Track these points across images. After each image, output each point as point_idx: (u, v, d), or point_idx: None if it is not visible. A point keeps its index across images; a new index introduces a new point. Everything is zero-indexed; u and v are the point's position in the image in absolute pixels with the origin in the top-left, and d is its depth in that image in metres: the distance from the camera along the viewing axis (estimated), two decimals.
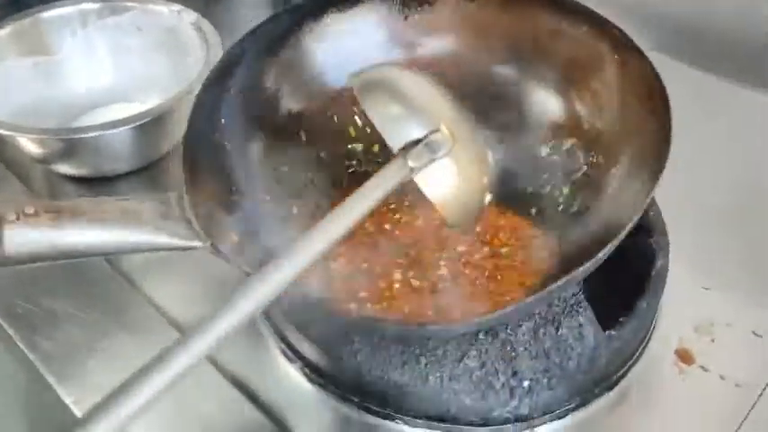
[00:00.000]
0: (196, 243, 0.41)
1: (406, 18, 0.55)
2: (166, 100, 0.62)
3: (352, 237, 0.48)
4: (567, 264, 0.46)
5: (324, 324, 0.46)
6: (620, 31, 0.50)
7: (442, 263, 0.51)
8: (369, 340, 0.47)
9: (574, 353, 0.46)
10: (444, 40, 0.55)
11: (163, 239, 0.40)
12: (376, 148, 0.56)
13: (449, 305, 0.49)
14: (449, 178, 0.43)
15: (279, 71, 0.54)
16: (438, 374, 0.45)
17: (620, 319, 0.49)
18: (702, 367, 0.51)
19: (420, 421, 0.48)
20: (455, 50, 0.55)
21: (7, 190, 0.66)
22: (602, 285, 0.50)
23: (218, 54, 0.66)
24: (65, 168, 0.66)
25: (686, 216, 0.58)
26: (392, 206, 0.55)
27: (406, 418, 0.48)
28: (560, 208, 0.53)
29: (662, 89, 0.47)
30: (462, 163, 0.43)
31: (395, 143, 0.42)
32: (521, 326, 0.46)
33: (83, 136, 0.60)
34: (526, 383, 0.45)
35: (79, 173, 0.66)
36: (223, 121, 0.51)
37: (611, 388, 0.50)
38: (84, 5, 0.72)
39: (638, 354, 0.52)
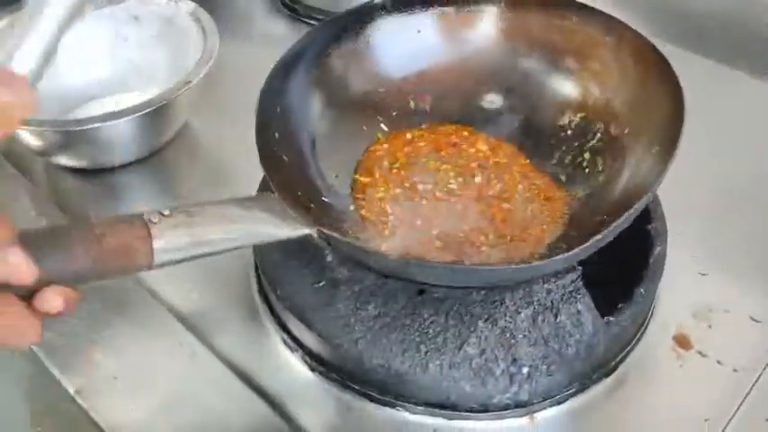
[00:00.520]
0: (306, 230, 0.44)
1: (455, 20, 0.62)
2: (165, 90, 0.62)
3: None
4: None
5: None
6: (611, 17, 0.57)
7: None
8: (369, 328, 0.47)
9: (572, 339, 0.47)
10: (483, 39, 0.62)
11: (279, 231, 0.44)
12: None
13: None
14: None
15: (343, 58, 0.60)
16: (438, 362, 0.46)
17: (619, 306, 0.49)
18: (700, 353, 0.52)
19: (421, 408, 0.48)
20: (491, 47, 0.62)
21: (7, 182, 0.66)
22: (600, 272, 0.51)
23: (215, 43, 0.66)
24: (64, 160, 0.66)
25: (684, 202, 0.58)
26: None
27: (406, 405, 0.48)
28: (587, 171, 0.56)
29: (659, 57, 0.52)
30: None
31: None
32: (519, 313, 0.47)
33: (82, 128, 0.60)
34: (525, 370, 0.46)
35: (79, 164, 0.66)
36: (292, 108, 0.56)
37: (609, 374, 0.50)
38: None
39: (636, 340, 0.52)
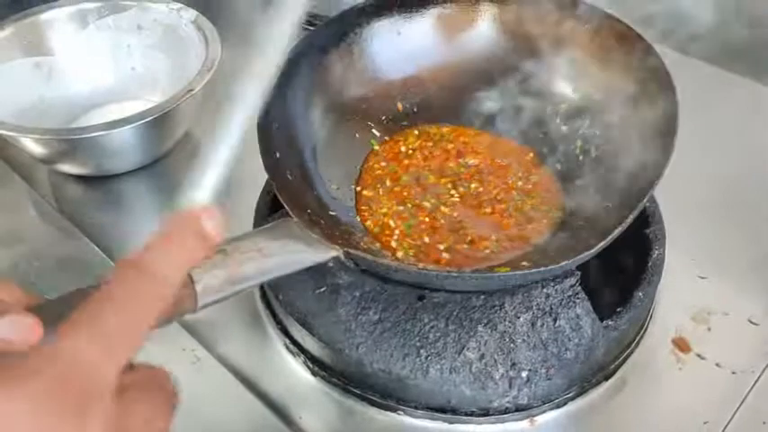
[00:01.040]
0: (333, 253, 0.45)
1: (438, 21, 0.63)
2: (168, 98, 0.63)
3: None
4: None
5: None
6: (592, 6, 0.58)
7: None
8: (370, 333, 0.48)
9: (571, 343, 0.47)
10: (476, 42, 0.63)
11: (309, 257, 0.44)
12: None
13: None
14: None
15: (340, 62, 0.61)
16: (438, 366, 0.46)
17: (618, 310, 0.49)
18: (699, 355, 0.52)
19: (421, 412, 0.48)
20: (488, 49, 0.63)
21: (11, 189, 0.67)
22: (599, 276, 0.51)
23: (217, 51, 0.67)
24: (68, 168, 0.67)
25: (683, 206, 0.59)
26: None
27: (407, 409, 0.49)
28: (581, 159, 0.58)
29: (641, 42, 0.54)
30: None
31: None
32: (519, 317, 0.47)
33: (86, 136, 0.60)
34: (525, 374, 0.46)
35: (82, 172, 0.67)
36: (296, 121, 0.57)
37: (608, 377, 0.51)
38: (84, 5, 0.72)
39: (635, 343, 0.53)
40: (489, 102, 0.62)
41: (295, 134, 0.56)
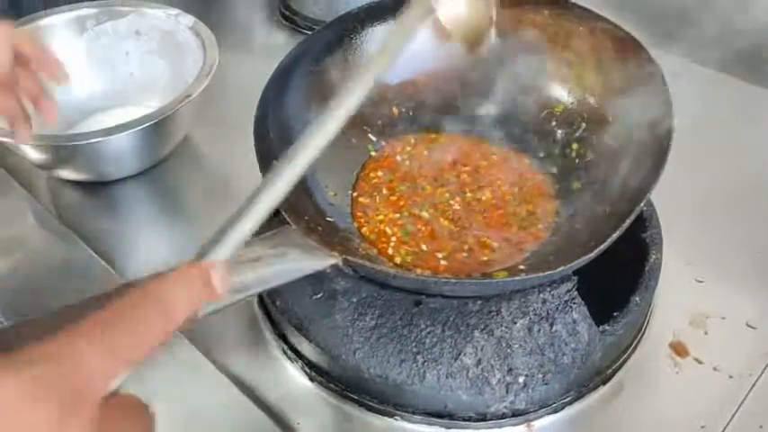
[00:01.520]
0: (332, 261, 0.45)
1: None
2: (166, 103, 0.63)
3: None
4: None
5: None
6: (586, 9, 0.59)
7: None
8: (367, 339, 0.48)
9: (568, 348, 0.47)
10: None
11: (308, 265, 0.45)
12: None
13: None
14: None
15: (336, 67, 0.61)
16: (435, 372, 0.46)
17: (614, 315, 0.49)
18: (696, 359, 0.52)
19: (419, 417, 0.49)
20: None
21: (10, 195, 0.67)
22: (596, 280, 0.51)
23: (215, 57, 0.67)
24: (66, 174, 0.67)
25: (680, 210, 0.59)
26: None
27: (405, 414, 0.49)
28: (577, 162, 0.58)
29: (634, 44, 0.54)
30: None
31: None
32: (515, 323, 0.47)
33: (84, 142, 0.61)
34: (522, 379, 0.46)
35: (81, 178, 0.67)
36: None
37: (606, 381, 0.51)
38: (82, 11, 0.72)
39: (632, 347, 0.53)
40: (485, 106, 0.63)
41: (292, 140, 0.56)
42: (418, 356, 0.47)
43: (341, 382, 0.50)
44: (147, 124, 0.61)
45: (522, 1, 0.61)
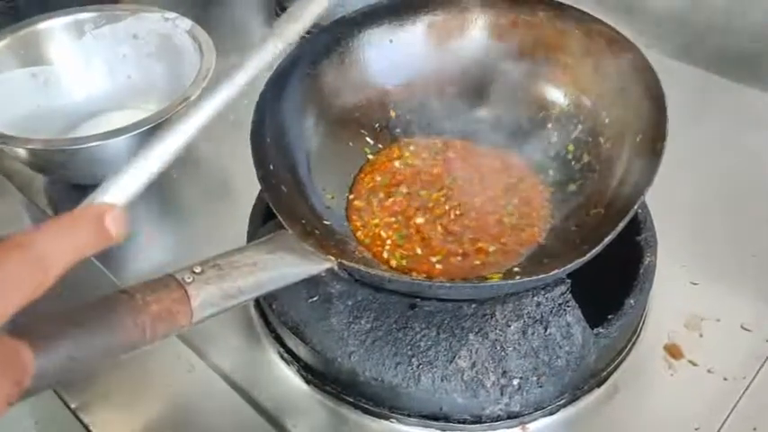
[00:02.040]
0: (327, 265, 0.45)
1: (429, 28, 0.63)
2: (164, 107, 0.63)
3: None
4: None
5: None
6: (581, 11, 0.59)
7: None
8: (362, 342, 0.48)
9: (562, 351, 0.47)
10: (467, 49, 0.64)
11: (304, 269, 0.45)
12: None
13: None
14: None
15: (332, 70, 0.61)
16: (430, 374, 0.47)
17: (609, 317, 0.50)
18: (691, 362, 0.52)
19: (414, 420, 0.49)
20: (479, 55, 0.63)
21: (7, 199, 0.67)
22: (590, 283, 0.52)
23: (212, 60, 0.67)
24: (64, 177, 0.67)
25: (675, 212, 0.59)
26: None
27: (400, 416, 0.49)
28: (573, 163, 0.58)
29: (629, 45, 0.55)
30: None
31: None
32: (509, 326, 0.47)
33: (82, 146, 0.61)
34: (516, 382, 0.47)
35: (79, 181, 0.67)
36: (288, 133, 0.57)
37: (600, 384, 0.51)
38: (80, 15, 0.73)
39: (627, 350, 0.53)
40: (481, 108, 0.63)
41: (288, 145, 0.56)
42: (413, 359, 0.47)
43: (336, 385, 0.50)
44: (145, 128, 0.61)
45: (517, 3, 0.61)
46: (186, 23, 0.71)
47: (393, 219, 0.56)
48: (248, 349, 0.54)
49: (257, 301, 0.56)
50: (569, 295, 0.49)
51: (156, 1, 0.76)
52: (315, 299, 0.50)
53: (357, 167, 0.61)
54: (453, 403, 0.47)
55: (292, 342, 0.51)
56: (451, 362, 0.47)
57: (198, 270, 0.41)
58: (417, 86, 0.63)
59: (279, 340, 0.53)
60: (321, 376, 0.51)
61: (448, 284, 0.49)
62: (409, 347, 0.47)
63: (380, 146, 0.62)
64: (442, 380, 0.46)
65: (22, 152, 0.62)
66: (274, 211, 0.48)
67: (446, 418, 0.48)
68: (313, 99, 0.59)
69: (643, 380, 0.52)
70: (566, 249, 0.50)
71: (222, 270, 0.41)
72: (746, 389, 0.51)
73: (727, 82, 0.77)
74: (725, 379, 0.51)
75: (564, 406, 0.50)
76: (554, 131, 0.60)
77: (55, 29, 0.72)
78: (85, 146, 0.61)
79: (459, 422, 0.48)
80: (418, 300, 0.49)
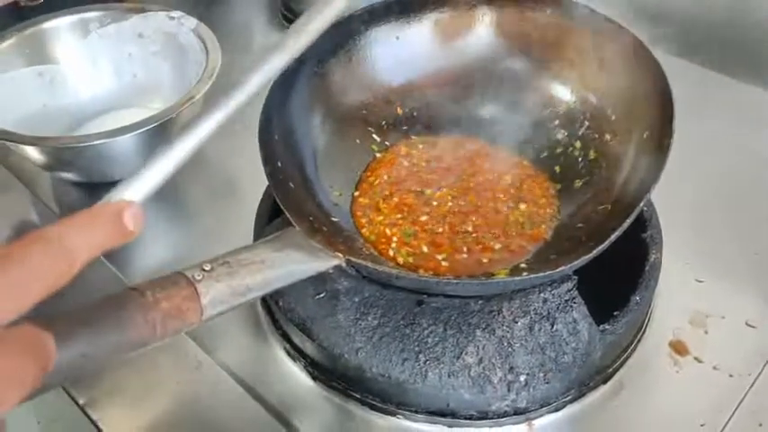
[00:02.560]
0: (335, 262, 0.45)
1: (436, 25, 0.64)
2: (169, 105, 0.64)
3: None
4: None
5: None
6: (586, 7, 0.59)
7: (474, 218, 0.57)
8: (369, 338, 0.48)
9: (569, 347, 0.47)
10: (474, 46, 0.64)
11: (312, 266, 0.45)
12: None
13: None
14: None
15: (339, 68, 0.61)
16: (437, 371, 0.47)
17: (615, 314, 0.50)
18: (696, 358, 0.53)
19: (421, 416, 0.49)
20: (485, 52, 0.64)
21: (14, 197, 0.68)
22: (596, 280, 0.52)
23: (217, 59, 0.67)
24: (70, 175, 0.67)
25: (680, 210, 0.59)
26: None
27: (407, 413, 0.49)
28: (580, 161, 0.58)
29: (637, 43, 0.55)
30: None
31: None
32: (516, 322, 0.48)
33: (88, 144, 0.61)
34: (523, 378, 0.47)
35: (84, 179, 0.68)
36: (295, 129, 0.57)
37: (606, 380, 0.51)
38: (86, 14, 0.73)
39: (633, 346, 0.53)
40: (488, 105, 0.63)
41: (296, 142, 0.56)
42: (420, 355, 0.47)
43: (343, 381, 0.50)
44: (151, 126, 0.62)
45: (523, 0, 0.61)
46: (191, 22, 0.71)
47: (399, 216, 0.56)
48: (255, 346, 0.54)
49: (264, 298, 0.56)
50: (576, 292, 0.49)
51: (161, 0, 0.76)
52: (322, 295, 0.50)
53: (364, 165, 0.61)
54: (460, 399, 0.47)
55: (299, 338, 0.52)
56: (458, 358, 0.47)
57: (207, 268, 0.41)
58: (424, 84, 0.63)
59: (286, 337, 0.53)
60: (328, 373, 0.51)
61: (455, 281, 0.49)
62: (416, 344, 0.47)
63: (388, 143, 0.62)
64: (449, 376, 0.47)
65: (29, 150, 0.62)
66: (282, 208, 0.48)
67: (453, 414, 0.48)
68: (320, 97, 0.59)
69: (648, 376, 0.52)
70: (572, 246, 0.50)
71: (231, 267, 0.42)
72: (752, 385, 0.51)
73: (731, 80, 0.77)
74: (730, 376, 0.51)
75: (570, 402, 0.50)
76: (561, 128, 0.60)
77: (61, 28, 0.72)
78: (91, 144, 0.61)
79: (465, 418, 0.48)
80: (425, 296, 0.49)
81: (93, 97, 0.74)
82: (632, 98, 0.55)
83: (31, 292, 0.27)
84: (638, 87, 0.54)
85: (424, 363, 0.47)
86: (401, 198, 0.57)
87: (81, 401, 0.50)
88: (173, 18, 0.72)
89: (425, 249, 0.54)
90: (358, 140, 0.61)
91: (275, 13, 0.93)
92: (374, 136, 0.62)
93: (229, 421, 0.49)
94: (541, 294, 0.49)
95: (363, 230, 0.55)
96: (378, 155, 0.61)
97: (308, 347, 0.51)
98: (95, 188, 0.68)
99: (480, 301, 0.48)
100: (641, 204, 0.47)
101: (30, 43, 0.71)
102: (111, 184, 0.66)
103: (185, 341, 0.53)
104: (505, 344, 0.47)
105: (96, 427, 0.49)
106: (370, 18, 0.61)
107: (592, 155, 0.57)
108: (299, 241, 0.45)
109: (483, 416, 0.48)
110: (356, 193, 0.58)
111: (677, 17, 0.82)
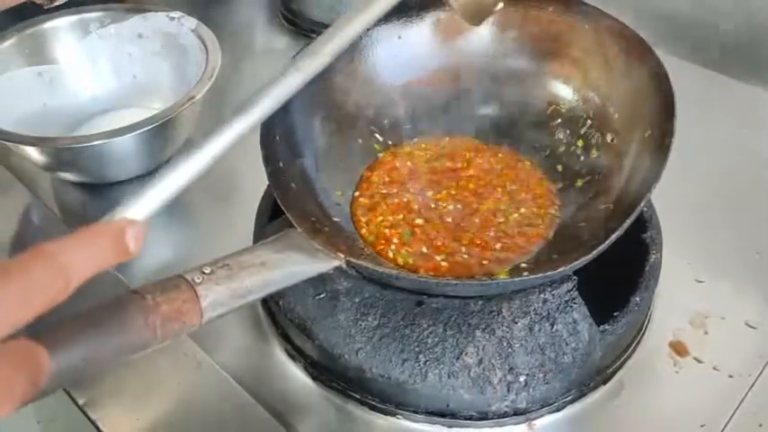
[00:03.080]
0: (336, 263, 0.45)
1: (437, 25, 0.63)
2: (169, 106, 0.63)
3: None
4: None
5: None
6: (588, 5, 0.59)
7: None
8: (369, 338, 0.48)
9: (568, 348, 0.48)
10: (477, 44, 0.63)
11: (312, 267, 0.45)
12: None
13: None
14: None
15: (341, 68, 0.60)
16: (437, 371, 0.47)
17: (615, 314, 0.50)
18: (696, 359, 0.53)
19: (421, 416, 0.49)
20: (488, 51, 0.63)
21: (14, 197, 0.68)
22: (597, 280, 0.52)
23: (217, 59, 0.67)
24: (70, 175, 0.67)
25: (679, 210, 0.59)
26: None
27: (407, 413, 0.49)
28: (582, 159, 0.58)
29: (638, 40, 0.55)
30: None
31: None
32: (516, 322, 0.48)
33: (87, 144, 0.61)
34: (523, 378, 0.47)
35: (84, 179, 0.68)
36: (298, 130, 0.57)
37: (606, 381, 0.51)
38: (86, 14, 0.73)
39: (633, 347, 0.53)
40: (490, 103, 0.63)
41: (297, 143, 0.56)
42: (420, 356, 0.47)
43: (343, 382, 0.50)
44: (151, 126, 0.62)
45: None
46: (191, 22, 0.71)
47: (399, 216, 0.56)
48: (255, 346, 0.54)
49: (264, 299, 0.56)
50: (576, 292, 0.49)
51: (161, 0, 0.76)
52: (322, 296, 0.50)
53: (366, 164, 0.60)
54: (460, 400, 0.47)
55: (299, 339, 0.52)
56: (458, 358, 0.47)
57: (207, 270, 0.41)
58: (427, 82, 0.63)
59: (286, 337, 0.53)
60: (328, 373, 0.51)
61: (454, 282, 0.49)
62: (416, 344, 0.47)
63: (390, 142, 0.62)
64: (448, 376, 0.47)
65: (28, 150, 0.62)
66: (283, 209, 0.48)
67: (453, 415, 0.48)
68: (322, 97, 0.59)
69: (648, 377, 0.52)
70: (574, 246, 0.50)
71: (231, 270, 0.42)
72: (752, 386, 0.51)
73: (732, 81, 0.77)
74: (730, 376, 0.51)
75: (570, 403, 0.50)
76: (563, 127, 0.60)
77: (60, 28, 0.72)
78: (91, 144, 0.61)
79: (465, 418, 0.48)
80: (425, 297, 0.49)
81: (92, 97, 0.74)
82: (635, 97, 0.55)
83: (28, 308, 0.28)
84: (640, 86, 0.54)
85: (424, 363, 0.47)
86: (401, 198, 0.57)
87: (80, 401, 0.50)
88: (173, 18, 0.72)
89: (425, 250, 0.54)
90: (360, 140, 0.61)
91: (275, 13, 0.93)
92: (377, 135, 0.62)
93: (229, 421, 0.49)
94: (541, 295, 0.49)
95: (363, 230, 0.55)
96: (380, 154, 0.61)
97: (308, 348, 0.51)
98: (95, 188, 0.68)
99: (480, 302, 0.48)
100: (641, 204, 0.47)
101: (30, 43, 0.71)
102: (111, 185, 0.67)
103: (185, 341, 0.53)
104: (505, 344, 0.47)
105: (96, 427, 0.49)
106: None
107: (594, 153, 0.57)
108: (300, 242, 0.45)
109: (483, 416, 0.48)
110: (356, 193, 0.58)
111: (678, 18, 0.82)
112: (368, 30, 0.50)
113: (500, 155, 0.61)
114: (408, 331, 0.48)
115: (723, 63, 0.78)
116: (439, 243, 0.54)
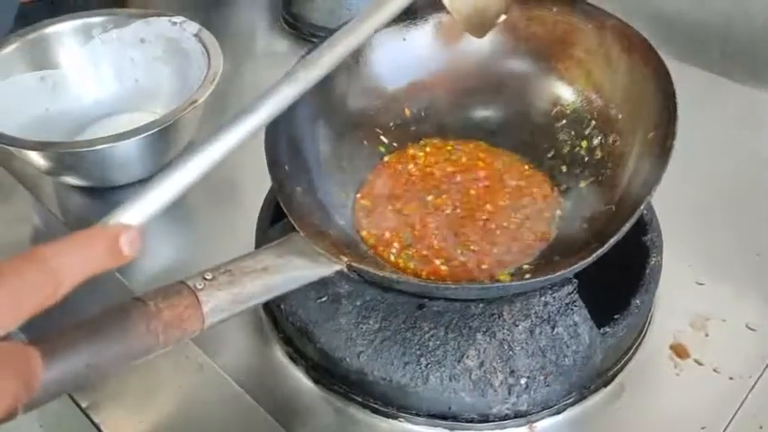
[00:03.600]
0: (337, 267, 0.46)
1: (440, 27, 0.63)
2: (171, 110, 0.64)
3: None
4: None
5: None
6: (591, 5, 0.59)
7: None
8: (371, 342, 0.48)
9: (569, 350, 0.48)
10: (480, 45, 0.62)
11: (314, 272, 0.46)
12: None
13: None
14: None
15: (346, 70, 0.60)
16: (438, 374, 0.47)
17: (615, 317, 0.50)
18: (697, 361, 0.53)
19: (422, 419, 0.49)
20: (488, 52, 0.63)
21: (17, 201, 0.68)
22: (597, 283, 0.52)
23: (219, 64, 0.68)
24: (73, 180, 0.68)
25: (680, 213, 0.59)
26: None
27: (408, 416, 0.49)
28: (586, 160, 0.58)
29: (641, 40, 0.55)
30: None
31: None
32: (517, 325, 0.48)
33: (90, 149, 0.61)
34: (524, 381, 0.47)
35: (87, 183, 0.68)
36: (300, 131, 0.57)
37: (607, 383, 0.51)
38: (88, 19, 0.73)
39: (633, 349, 0.53)
40: (494, 104, 0.63)
41: (302, 146, 0.56)
42: (422, 359, 0.47)
43: (345, 385, 0.50)
44: (153, 131, 0.62)
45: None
46: (193, 27, 0.72)
47: (401, 220, 0.56)
48: (257, 349, 0.54)
49: (266, 303, 0.56)
50: (576, 295, 0.49)
51: (163, 5, 0.77)
52: (323, 299, 0.50)
53: (371, 167, 0.61)
54: (461, 402, 0.47)
55: (301, 342, 0.52)
56: (460, 361, 0.47)
57: (209, 276, 0.41)
58: (431, 84, 0.63)
59: (287, 340, 0.53)
60: (329, 376, 0.51)
61: (455, 285, 0.49)
62: (417, 347, 0.48)
63: (395, 144, 0.62)
64: (450, 379, 0.47)
65: (31, 155, 0.63)
66: (286, 213, 0.48)
67: (454, 418, 0.49)
68: (327, 100, 0.59)
69: (649, 379, 0.52)
70: (577, 247, 0.50)
71: (233, 276, 0.42)
72: (752, 388, 0.51)
73: (731, 83, 0.77)
74: (731, 378, 0.51)
75: (571, 405, 0.50)
76: (567, 128, 0.60)
77: (63, 33, 0.73)
78: (94, 148, 0.62)
79: (467, 421, 0.49)
80: (426, 300, 0.49)
81: (95, 102, 0.74)
82: (638, 98, 0.55)
83: (19, 311, 0.28)
84: (643, 87, 0.54)
85: (426, 366, 0.47)
86: (403, 202, 0.58)
87: (83, 405, 0.50)
88: (175, 23, 0.72)
89: (426, 253, 0.54)
90: (365, 142, 0.61)
91: (276, 17, 0.94)
92: (382, 137, 0.62)
93: (231, 424, 0.49)
94: (542, 298, 0.49)
95: (364, 233, 0.56)
96: (385, 157, 0.61)
97: (310, 351, 0.51)
98: (98, 192, 0.68)
99: (481, 305, 0.48)
100: (642, 207, 0.47)
101: (32, 48, 0.71)
102: (114, 189, 0.68)
103: (187, 345, 0.53)
104: (506, 347, 0.47)
105: (99, 430, 0.49)
106: None
107: (598, 155, 0.57)
108: (302, 247, 0.46)
109: (484, 419, 0.49)
110: (358, 196, 0.58)
111: (678, 21, 0.82)
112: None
113: (504, 156, 0.61)
114: (410, 334, 0.48)
115: (723, 65, 0.78)
116: (440, 246, 0.54)
